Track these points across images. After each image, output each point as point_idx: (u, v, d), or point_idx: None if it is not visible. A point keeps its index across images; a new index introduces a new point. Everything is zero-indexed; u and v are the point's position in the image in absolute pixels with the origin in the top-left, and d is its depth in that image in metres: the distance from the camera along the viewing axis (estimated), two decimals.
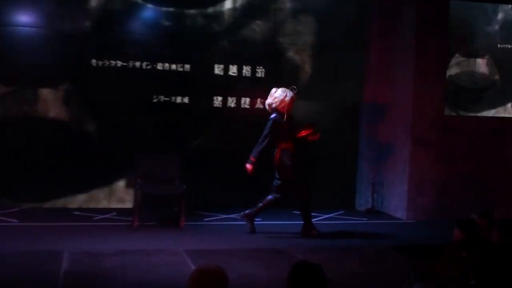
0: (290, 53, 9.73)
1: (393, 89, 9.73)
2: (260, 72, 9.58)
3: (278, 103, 7.41)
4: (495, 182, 9.51)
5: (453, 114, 9.62)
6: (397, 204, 9.45)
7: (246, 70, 9.52)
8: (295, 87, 7.64)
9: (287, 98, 7.40)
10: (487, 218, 6.14)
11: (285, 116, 7.42)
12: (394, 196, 9.54)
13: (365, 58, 9.94)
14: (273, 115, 7.44)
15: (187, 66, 9.30)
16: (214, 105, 9.44)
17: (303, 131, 7.48)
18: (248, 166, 7.41)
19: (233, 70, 9.48)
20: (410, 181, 9.22)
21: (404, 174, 9.31)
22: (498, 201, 9.13)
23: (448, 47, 9.40)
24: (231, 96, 9.49)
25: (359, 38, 9.87)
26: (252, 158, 7.39)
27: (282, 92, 7.44)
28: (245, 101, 9.55)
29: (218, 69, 9.44)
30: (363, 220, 9.13)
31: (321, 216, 9.02)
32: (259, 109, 9.47)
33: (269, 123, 7.41)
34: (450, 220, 7.88)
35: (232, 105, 9.50)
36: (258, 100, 9.48)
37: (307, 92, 9.52)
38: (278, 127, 7.41)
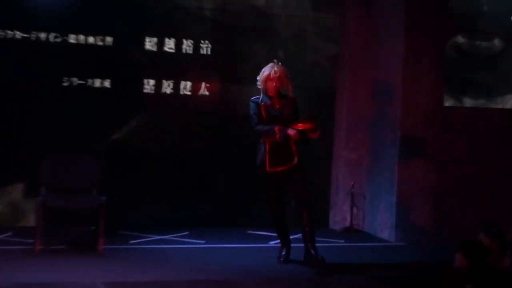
0: (245, 23, 9.69)
1: (377, 72, 9.73)
2: (206, 48, 9.52)
3: (260, 82, 7.52)
4: (507, 193, 9.59)
5: (456, 105, 9.67)
6: (384, 221, 9.48)
7: (187, 46, 9.47)
8: (275, 60, 7.66)
9: (265, 74, 7.45)
10: (499, 239, 6.19)
11: (272, 100, 7.49)
12: (380, 211, 9.57)
13: (342, 32, 9.96)
14: (253, 97, 7.59)
15: (109, 40, 9.22)
16: (145, 91, 9.38)
17: (299, 124, 7.46)
18: (290, 132, 7.36)
19: (169, 45, 9.41)
20: (400, 192, 9.28)
21: (392, 182, 9.34)
22: (508, 217, 9.23)
23: (448, 15, 9.44)
24: (167, 79, 9.42)
25: (333, 6, 9.95)
26: (281, 129, 7.34)
27: (264, 68, 7.53)
28: (186, 86, 9.49)
29: (149, 44, 9.38)
30: (339, 243, 9.13)
31: None
32: (204, 96, 9.43)
33: (249, 106, 7.56)
34: (451, 241, 8.00)
35: (168, 90, 9.44)
36: (203, 84, 9.45)
37: None
38: (259, 111, 7.46)
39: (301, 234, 7.62)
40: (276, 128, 7.33)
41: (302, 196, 7.51)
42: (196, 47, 9.49)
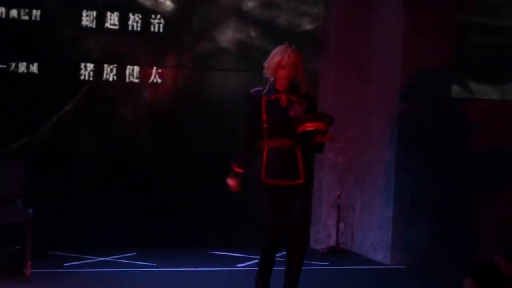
0: None
1: (369, 56, 9.97)
2: (157, 24, 9.67)
3: (268, 70, 7.11)
4: None
5: (467, 96, 9.86)
6: (377, 240, 9.67)
7: (134, 21, 9.59)
8: (286, 42, 7.22)
9: (275, 60, 7.03)
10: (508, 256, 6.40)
11: (279, 95, 7.04)
12: (372, 227, 9.78)
13: (324, 5, 10.21)
14: (254, 89, 7.22)
15: (36, 13, 9.27)
16: (81, 77, 9.46)
17: (308, 124, 6.97)
18: (230, 181, 7.10)
19: (112, 20, 9.52)
20: (397, 203, 9.43)
21: (387, 192, 9.54)
22: None
23: None
24: (109, 63, 9.53)
25: None
26: (234, 167, 7.08)
27: (273, 52, 7.14)
28: (132, 71, 9.62)
29: (87, 19, 9.46)
30: (323, 265, 9.27)
31: (255, 259, 9.09)
32: (155, 84, 9.60)
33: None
34: (459, 264, 8.16)
35: (111, 77, 9.56)
36: (154, 69, 9.61)
37: (235, 60, 9.79)
38: (258, 107, 7.04)
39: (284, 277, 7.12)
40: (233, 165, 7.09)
41: (299, 229, 6.99)
42: (145, 23, 9.59)
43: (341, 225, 9.97)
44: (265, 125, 6.95)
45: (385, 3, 9.72)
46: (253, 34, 9.96)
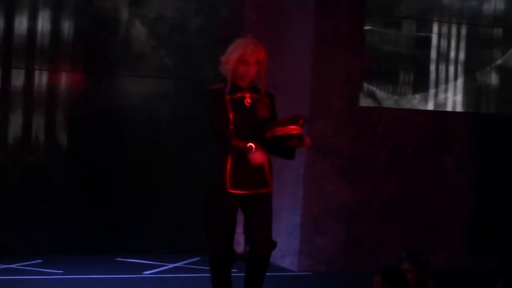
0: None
1: (280, 62, 9.89)
2: (68, 28, 9.54)
3: (225, 64, 6.54)
4: (434, 213, 9.97)
5: (373, 105, 10.05)
6: (285, 246, 9.62)
7: (44, 22, 9.44)
8: (249, 35, 6.89)
9: (236, 54, 6.46)
10: (421, 268, 6.48)
11: (242, 93, 6.51)
12: (280, 234, 9.66)
13: (235, 10, 10.16)
14: (214, 85, 6.65)
15: None
16: None
17: (279, 128, 6.44)
18: (258, 156, 6.31)
19: (20, 21, 9.35)
20: (306, 211, 9.48)
21: (295, 199, 9.55)
22: (436, 243, 9.58)
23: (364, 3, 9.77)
24: (18, 67, 9.39)
25: None
26: (244, 145, 6.32)
27: (233, 45, 6.61)
28: (41, 77, 9.46)
29: None
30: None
31: (164, 265, 9.16)
32: (63, 90, 9.45)
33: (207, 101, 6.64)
34: (367, 270, 8.21)
35: (18, 83, 9.40)
36: (64, 75, 9.48)
37: (149, 65, 9.79)
38: (223, 106, 6.46)
39: None
40: (246, 145, 6.31)
41: (265, 241, 6.57)
42: (55, 26, 9.49)
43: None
44: (231, 127, 6.35)
45: (296, 13, 9.79)
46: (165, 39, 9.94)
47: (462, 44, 10.47)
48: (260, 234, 6.51)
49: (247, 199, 6.45)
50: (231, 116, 6.36)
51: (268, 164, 6.49)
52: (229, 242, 6.59)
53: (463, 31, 10.40)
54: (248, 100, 6.45)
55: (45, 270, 8.65)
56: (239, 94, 6.43)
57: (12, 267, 8.65)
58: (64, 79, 9.51)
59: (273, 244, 6.63)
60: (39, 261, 8.97)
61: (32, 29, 9.39)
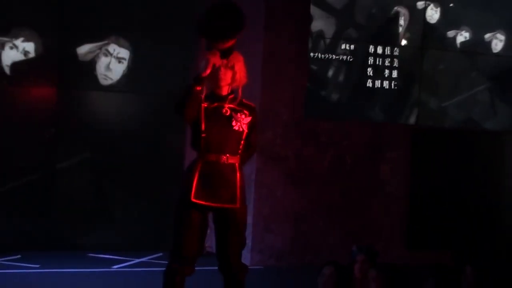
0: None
1: None
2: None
3: (203, 71, 5.71)
4: (372, 213, 10.27)
5: (319, 116, 10.18)
6: None
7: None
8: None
9: (212, 61, 5.70)
10: (372, 258, 6.79)
11: (219, 100, 5.81)
12: None
13: (193, 29, 10.30)
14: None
15: None
16: None
17: None
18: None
19: None
20: (257, 212, 9.70)
21: (248, 202, 9.49)
22: (373, 240, 9.75)
23: (309, 20, 9.95)
24: None
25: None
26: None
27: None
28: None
29: None
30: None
31: (130, 260, 9.33)
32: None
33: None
34: (311, 264, 8.40)
35: None
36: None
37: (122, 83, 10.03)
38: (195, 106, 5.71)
39: None
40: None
41: (237, 261, 5.89)
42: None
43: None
44: (203, 135, 5.66)
45: (247, 33, 9.86)
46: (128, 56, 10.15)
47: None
48: (234, 259, 5.85)
49: (215, 213, 5.80)
50: (203, 126, 5.66)
51: (240, 180, 5.78)
52: (189, 255, 5.76)
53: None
54: (226, 111, 5.72)
55: (23, 264, 8.75)
56: (217, 103, 5.73)
57: None
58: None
59: (246, 268, 5.99)
60: (18, 256, 9.08)
61: None
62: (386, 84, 10.51)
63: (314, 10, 10.04)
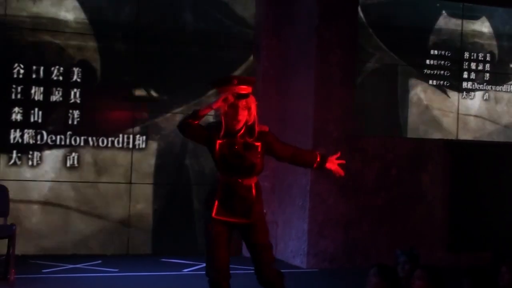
0: None
1: (288, 101, 10.11)
2: None
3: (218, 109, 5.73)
4: (415, 219, 10.04)
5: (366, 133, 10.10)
6: (296, 248, 9.74)
7: None
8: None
9: (223, 99, 5.61)
10: (414, 260, 6.50)
11: (232, 136, 5.63)
12: (292, 238, 9.85)
13: (254, 60, 10.30)
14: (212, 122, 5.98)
15: None
16: None
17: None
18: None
19: None
20: (312, 219, 9.54)
21: (303, 210, 9.64)
22: (417, 243, 9.53)
23: (356, 46, 9.87)
24: None
25: (244, 34, 10.22)
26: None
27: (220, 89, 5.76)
28: None
29: None
30: (252, 270, 9.14)
31: (196, 265, 9.20)
32: None
33: None
34: (361, 267, 8.24)
35: None
36: None
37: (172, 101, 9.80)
38: (211, 142, 5.65)
39: None
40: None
41: (269, 271, 5.72)
42: None
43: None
44: (218, 164, 5.63)
45: (300, 62, 9.91)
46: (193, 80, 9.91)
47: None
48: (268, 270, 5.70)
49: (236, 227, 5.69)
50: (216, 157, 5.59)
51: (255, 197, 5.69)
52: (221, 265, 5.58)
53: None
54: (239, 147, 5.55)
55: (104, 269, 8.73)
56: (230, 140, 5.56)
57: (76, 267, 8.76)
58: None
59: (281, 275, 5.85)
60: (99, 261, 9.07)
61: None
62: None
63: None
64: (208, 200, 5.72)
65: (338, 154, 6.03)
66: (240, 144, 5.56)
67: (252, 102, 5.64)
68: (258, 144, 5.63)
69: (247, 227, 5.65)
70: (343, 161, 6.04)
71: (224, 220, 5.60)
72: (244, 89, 5.60)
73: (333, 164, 5.98)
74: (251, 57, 10.27)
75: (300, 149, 5.98)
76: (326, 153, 6.10)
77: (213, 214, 5.59)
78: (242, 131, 5.59)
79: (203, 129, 5.63)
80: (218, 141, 5.54)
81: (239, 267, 9.14)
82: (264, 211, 5.89)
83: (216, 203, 5.60)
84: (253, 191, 5.67)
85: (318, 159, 5.91)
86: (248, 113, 5.59)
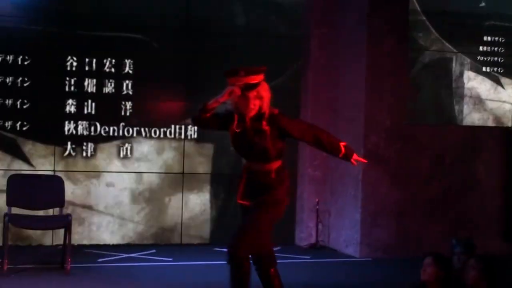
0: None
1: (338, 89, 9.98)
2: None
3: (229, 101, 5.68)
4: (468, 208, 9.88)
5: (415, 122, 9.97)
6: (348, 237, 9.67)
7: None
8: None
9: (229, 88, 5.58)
10: (470, 250, 6.40)
11: (244, 122, 5.62)
12: (344, 227, 9.77)
13: (304, 51, 10.21)
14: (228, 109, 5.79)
15: None
16: None
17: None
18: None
19: None
20: (364, 208, 9.47)
21: (356, 200, 9.55)
22: (470, 234, 9.37)
23: (407, 34, 9.74)
24: None
25: (295, 22, 10.15)
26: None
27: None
28: None
29: None
30: (305, 259, 9.26)
31: None
32: None
33: None
34: (414, 256, 8.14)
35: None
36: None
37: None
38: (229, 126, 5.66)
39: None
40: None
41: (234, 241, 5.48)
42: None
43: (320, 226, 9.96)
44: (234, 147, 5.74)
45: (351, 50, 9.82)
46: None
47: None
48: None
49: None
50: (232, 144, 5.67)
51: (275, 180, 5.59)
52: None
53: None
54: (250, 133, 5.52)
55: (158, 258, 8.76)
56: (242, 127, 5.55)
57: (131, 256, 8.78)
58: None
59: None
60: (153, 251, 9.09)
61: None
62: None
63: None
64: (237, 186, 5.78)
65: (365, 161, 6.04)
66: (250, 130, 5.54)
67: (264, 90, 5.55)
68: (267, 128, 5.52)
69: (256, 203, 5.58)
70: (365, 160, 6.02)
71: (245, 204, 5.65)
72: (253, 79, 5.51)
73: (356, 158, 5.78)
74: (302, 48, 10.18)
75: (323, 135, 5.67)
76: (349, 147, 5.75)
77: (238, 199, 5.70)
78: (252, 117, 5.54)
79: (217, 119, 5.67)
80: (232, 130, 5.58)
81: (290, 255, 9.10)
82: (285, 198, 5.68)
83: (241, 188, 5.68)
84: (272, 175, 5.58)
85: (343, 152, 5.67)
86: (260, 102, 5.52)
